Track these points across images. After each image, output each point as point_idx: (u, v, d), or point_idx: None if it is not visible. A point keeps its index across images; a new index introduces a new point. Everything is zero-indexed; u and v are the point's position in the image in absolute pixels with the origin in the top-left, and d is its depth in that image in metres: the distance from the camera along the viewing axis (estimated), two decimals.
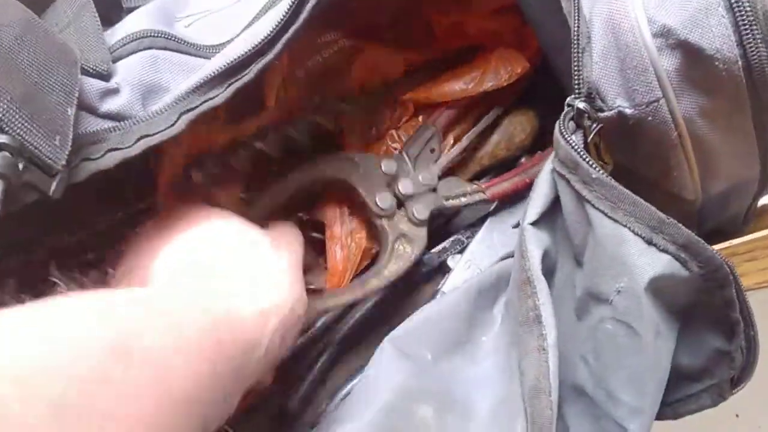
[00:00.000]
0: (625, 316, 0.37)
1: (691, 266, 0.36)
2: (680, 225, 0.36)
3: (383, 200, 0.55)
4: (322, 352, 0.57)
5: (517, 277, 0.42)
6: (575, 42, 0.40)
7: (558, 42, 0.47)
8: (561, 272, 0.43)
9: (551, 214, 0.42)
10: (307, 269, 0.58)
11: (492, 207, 0.61)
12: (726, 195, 0.44)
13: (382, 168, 0.56)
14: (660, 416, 0.40)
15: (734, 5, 0.35)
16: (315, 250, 0.59)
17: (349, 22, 0.57)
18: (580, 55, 0.39)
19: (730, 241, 0.48)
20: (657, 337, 0.37)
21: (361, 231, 0.58)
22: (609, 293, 0.38)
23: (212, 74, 0.41)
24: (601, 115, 0.39)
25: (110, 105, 0.40)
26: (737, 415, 1.03)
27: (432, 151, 0.60)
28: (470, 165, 0.64)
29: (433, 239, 0.62)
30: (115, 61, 0.43)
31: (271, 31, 0.41)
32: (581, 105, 0.39)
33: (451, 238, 0.61)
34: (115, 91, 0.40)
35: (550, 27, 0.49)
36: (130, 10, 0.56)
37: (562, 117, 0.40)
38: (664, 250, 0.36)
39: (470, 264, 0.59)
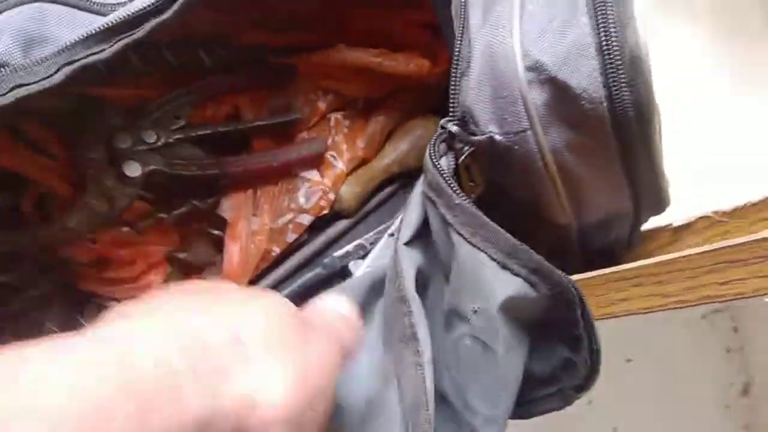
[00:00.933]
0: (481, 334, 0.38)
1: (541, 288, 0.37)
2: (532, 251, 0.37)
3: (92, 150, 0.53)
4: None
5: (392, 293, 0.43)
6: (455, 65, 0.40)
7: None
8: (433, 286, 0.44)
9: (424, 232, 0.43)
10: (202, 267, 0.58)
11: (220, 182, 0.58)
12: (605, 222, 0.45)
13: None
14: (514, 416, 0.42)
15: (604, 48, 0.35)
16: (212, 247, 0.59)
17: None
18: (458, 78, 0.40)
19: (620, 266, 0.50)
20: (509, 351, 0.39)
21: (262, 233, 0.58)
22: (467, 312, 0.39)
23: (100, 28, 0.40)
24: (473, 138, 0.39)
25: None
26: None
27: (177, 117, 0.56)
28: (373, 172, 0.64)
29: (337, 243, 0.63)
30: None
31: None
32: (454, 128, 0.40)
33: (355, 243, 0.62)
34: None
35: None
36: None
37: (434, 139, 0.40)
38: (517, 274, 0.37)
39: (371, 270, 0.59)
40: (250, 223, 0.58)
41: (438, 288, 0.43)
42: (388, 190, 0.65)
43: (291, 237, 0.60)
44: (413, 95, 0.65)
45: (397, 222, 0.59)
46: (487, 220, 0.37)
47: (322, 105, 0.62)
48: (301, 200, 0.60)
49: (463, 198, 0.38)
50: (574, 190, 0.40)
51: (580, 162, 0.38)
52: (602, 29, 0.35)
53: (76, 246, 0.53)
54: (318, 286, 0.61)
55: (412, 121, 0.64)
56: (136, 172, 0.53)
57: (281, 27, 0.60)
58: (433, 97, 0.65)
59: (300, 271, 0.61)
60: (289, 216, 0.59)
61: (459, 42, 0.40)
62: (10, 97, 0.38)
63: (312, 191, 0.60)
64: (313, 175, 0.61)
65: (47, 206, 0.53)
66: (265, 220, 0.58)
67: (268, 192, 0.59)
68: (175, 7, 0.41)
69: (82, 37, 0.40)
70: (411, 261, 0.42)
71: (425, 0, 0.60)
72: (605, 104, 0.36)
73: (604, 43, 0.35)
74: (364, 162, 0.63)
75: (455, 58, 0.40)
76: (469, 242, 0.38)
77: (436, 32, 0.62)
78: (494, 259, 0.37)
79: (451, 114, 0.40)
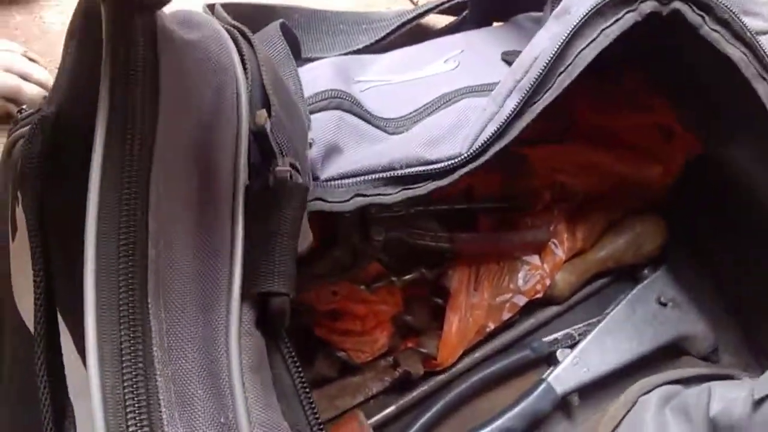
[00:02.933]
0: None
1: None
2: None
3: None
4: (421, 415, 0.59)
5: None
6: None
7: None
8: None
9: None
10: (421, 331, 0.61)
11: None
12: None
13: None
14: None
15: None
16: (431, 314, 0.62)
17: None
18: None
19: None
20: None
21: (481, 308, 0.60)
22: None
23: (390, 175, 0.46)
24: None
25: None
26: None
27: None
28: (589, 264, 0.65)
29: (545, 329, 0.64)
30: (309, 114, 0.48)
31: (485, 143, 0.45)
32: None
33: (563, 332, 0.63)
34: (310, 145, 0.45)
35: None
36: (308, 60, 0.62)
37: None
38: None
39: (578, 361, 0.61)
40: (470, 297, 0.61)
41: None
42: (599, 283, 0.66)
43: (506, 315, 0.62)
44: (634, 194, 0.66)
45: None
46: None
47: (547, 195, 0.64)
48: (520, 282, 0.62)
49: None
50: None
51: None
52: None
53: (318, 295, 0.57)
54: (523, 368, 0.63)
55: (631, 218, 0.66)
56: (380, 235, 0.57)
57: None
58: (654, 194, 0.66)
59: (508, 350, 0.63)
60: (507, 295, 0.62)
61: None
62: (311, 206, 0.43)
63: (531, 274, 0.63)
64: (534, 259, 0.63)
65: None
66: (485, 296, 0.61)
67: (490, 270, 0.62)
68: (455, 176, 0.46)
69: (372, 177, 0.46)
70: None
71: (659, 103, 0.63)
72: None
73: None
74: (581, 253, 0.65)
75: None
76: None
77: (665, 135, 0.65)
78: None
79: None
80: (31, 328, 0.33)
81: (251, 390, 0.28)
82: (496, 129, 0.45)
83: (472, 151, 0.45)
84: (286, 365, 0.32)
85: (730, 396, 0.48)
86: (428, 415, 0.59)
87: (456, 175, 0.45)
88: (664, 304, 0.64)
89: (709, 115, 0.57)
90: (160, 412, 0.27)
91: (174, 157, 0.31)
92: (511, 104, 0.46)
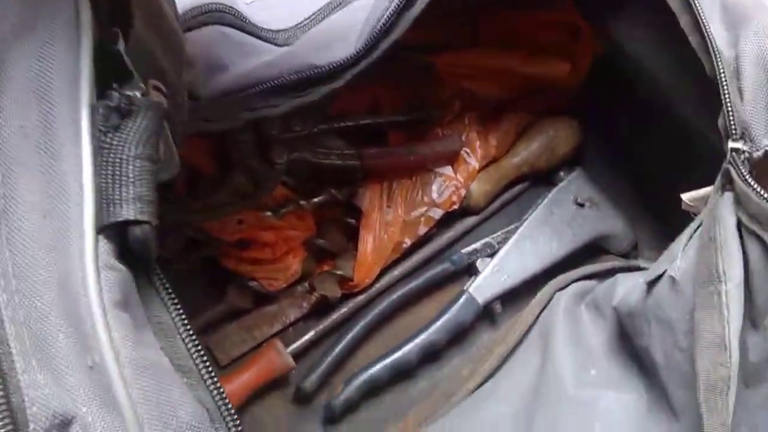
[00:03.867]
0: None
1: None
2: None
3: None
4: (342, 338, 0.58)
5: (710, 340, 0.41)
6: (723, 82, 0.39)
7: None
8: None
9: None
10: (335, 254, 0.59)
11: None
12: None
13: None
14: None
15: None
16: (345, 235, 0.60)
17: None
18: (728, 95, 0.39)
19: None
20: None
21: (396, 224, 0.59)
22: None
23: (274, 83, 0.43)
24: (755, 155, 0.38)
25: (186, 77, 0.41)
26: None
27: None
28: (504, 171, 0.64)
29: (464, 240, 0.63)
30: (186, 31, 0.44)
31: (373, 38, 0.42)
32: (745, 147, 0.37)
33: (482, 241, 0.62)
34: (190, 65, 0.41)
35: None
36: None
37: (733, 163, 0.38)
38: None
39: (499, 268, 0.60)
40: (384, 214, 0.59)
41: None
42: (515, 189, 0.65)
43: (422, 230, 0.60)
44: (545, 96, 0.65)
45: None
46: None
47: (457, 103, 0.62)
48: (434, 194, 0.61)
49: None
50: None
51: None
52: None
53: (223, 225, 0.54)
54: (444, 281, 0.62)
55: (543, 121, 0.64)
56: (282, 157, 0.54)
57: (418, 25, 0.61)
58: (564, 97, 0.65)
59: (427, 264, 0.62)
60: (422, 209, 0.60)
61: (717, 56, 0.39)
62: (196, 128, 0.40)
63: (445, 186, 0.61)
64: (447, 170, 0.61)
65: (196, 185, 0.55)
66: (399, 212, 0.59)
67: (403, 185, 0.60)
68: (347, 77, 0.44)
69: (261, 90, 0.43)
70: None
71: (563, 1, 0.61)
72: None
73: None
74: (495, 160, 0.63)
75: (720, 73, 0.39)
76: None
77: (571, 34, 0.63)
78: None
79: (733, 133, 0.38)
80: None
81: (118, 328, 0.26)
82: (384, 22, 0.42)
83: (360, 47, 0.43)
84: (161, 298, 0.29)
85: (629, 284, 0.48)
86: (348, 337, 0.58)
87: (348, 75, 0.43)
88: (582, 205, 0.63)
89: (610, 7, 0.55)
90: (12, 360, 0.25)
91: (6, 87, 0.28)
92: None
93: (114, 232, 0.27)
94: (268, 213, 0.56)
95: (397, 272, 0.61)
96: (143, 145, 0.28)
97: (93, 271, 0.26)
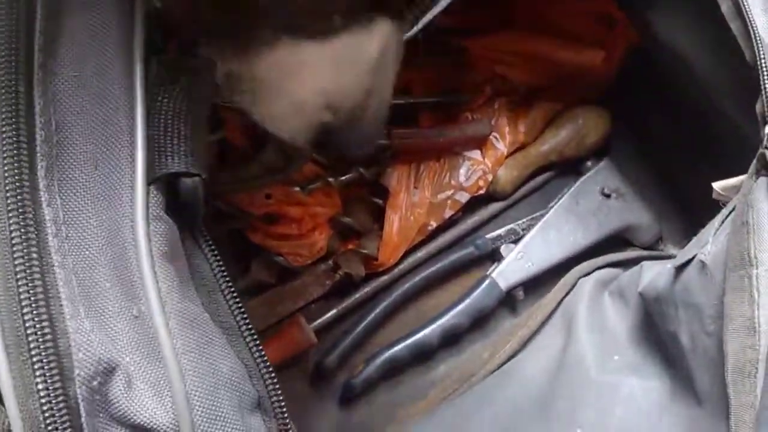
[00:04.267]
0: None
1: None
2: None
3: None
4: (364, 317, 0.58)
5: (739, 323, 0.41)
6: (763, 68, 0.39)
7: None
8: None
9: None
10: (360, 232, 0.59)
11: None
12: None
13: None
14: None
15: None
16: (371, 215, 0.60)
17: None
18: (767, 81, 0.39)
19: None
20: None
21: (422, 206, 0.59)
22: None
23: None
24: None
25: None
26: None
27: None
28: (531, 158, 0.64)
29: (489, 226, 0.63)
30: None
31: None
32: None
33: (507, 227, 0.62)
34: None
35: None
36: None
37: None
38: None
39: (523, 255, 0.60)
40: (411, 195, 0.59)
41: None
42: (542, 177, 0.65)
43: (448, 213, 0.60)
44: (576, 85, 0.64)
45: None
46: None
47: (488, 88, 0.62)
48: (462, 178, 0.60)
49: None
50: None
51: None
52: None
53: (252, 199, 0.55)
54: (467, 266, 0.62)
55: (573, 109, 0.64)
56: None
57: (450, 8, 0.61)
58: (595, 87, 0.65)
59: (451, 247, 0.62)
60: (449, 192, 0.60)
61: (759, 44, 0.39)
62: None
63: (472, 170, 0.61)
64: (475, 154, 0.61)
65: (226, 157, 0.55)
66: (426, 193, 0.59)
67: (431, 167, 0.60)
68: None
69: None
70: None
71: None
72: None
73: None
74: (523, 146, 0.63)
75: (762, 62, 0.39)
76: None
77: (606, 23, 0.62)
78: None
79: None
80: None
81: (164, 279, 0.26)
82: None
83: None
84: (205, 255, 0.30)
85: (656, 270, 0.48)
86: (371, 316, 0.58)
87: None
88: (608, 195, 0.63)
89: (650, 4, 0.55)
90: (61, 305, 0.25)
91: (63, 38, 0.28)
92: None
93: (163, 184, 0.28)
94: (297, 188, 0.56)
95: (421, 254, 0.61)
96: (195, 101, 0.28)
97: (142, 220, 0.26)
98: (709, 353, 0.43)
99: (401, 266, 0.60)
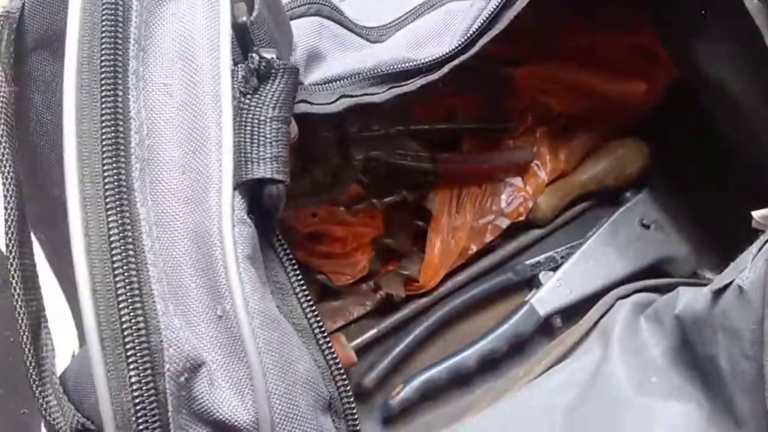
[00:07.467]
0: None
1: None
2: None
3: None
4: (403, 338, 0.58)
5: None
6: None
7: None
8: None
9: None
10: (403, 254, 0.60)
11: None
12: None
13: None
14: None
15: None
16: (412, 237, 0.61)
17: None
18: None
19: None
20: None
21: (463, 230, 0.59)
22: None
23: (374, 73, 0.43)
24: None
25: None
26: None
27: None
28: (571, 187, 0.64)
29: (528, 252, 0.64)
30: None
31: (474, 33, 0.43)
32: None
33: (546, 255, 0.63)
34: (293, 49, 0.42)
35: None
36: None
37: None
38: None
39: (561, 283, 0.60)
40: (453, 219, 0.60)
41: None
42: (581, 206, 0.65)
43: (488, 238, 0.61)
44: (616, 115, 0.65)
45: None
46: None
47: (531, 116, 0.63)
48: (503, 204, 0.61)
49: None
50: None
51: None
52: None
53: (298, 217, 0.55)
54: (506, 291, 0.62)
55: (614, 140, 0.65)
56: (360, 154, 0.55)
57: (498, 38, 0.62)
58: (636, 118, 0.65)
59: (491, 272, 0.62)
60: (490, 218, 0.61)
61: None
62: (296, 109, 0.40)
63: (514, 196, 0.62)
64: (517, 181, 0.62)
65: None
66: (467, 218, 0.60)
67: (473, 192, 0.61)
68: (445, 70, 0.44)
69: (363, 76, 0.43)
70: None
71: (643, 23, 0.61)
72: None
73: None
74: (563, 175, 0.64)
75: None
76: None
77: (649, 59, 0.63)
78: None
79: None
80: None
81: (248, 280, 0.27)
82: (485, 19, 0.43)
83: (460, 42, 0.43)
84: (279, 259, 0.30)
85: (693, 293, 0.48)
86: (410, 338, 0.58)
87: (446, 69, 0.43)
88: (647, 226, 0.63)
89: (691, 36, 0.56)
90: (154, 302, 0.25)
91: (152, 47, 0.29)
92: None
93: (247, 189, 0.28)
94: (342, 209, 0.57)
95: (461, 277, 0.61)
96: (280, 107, 0.29)
97: (229, 223, 0.27)
98: (748, 377, 0.43)
99: (441, 289, 0.60)
